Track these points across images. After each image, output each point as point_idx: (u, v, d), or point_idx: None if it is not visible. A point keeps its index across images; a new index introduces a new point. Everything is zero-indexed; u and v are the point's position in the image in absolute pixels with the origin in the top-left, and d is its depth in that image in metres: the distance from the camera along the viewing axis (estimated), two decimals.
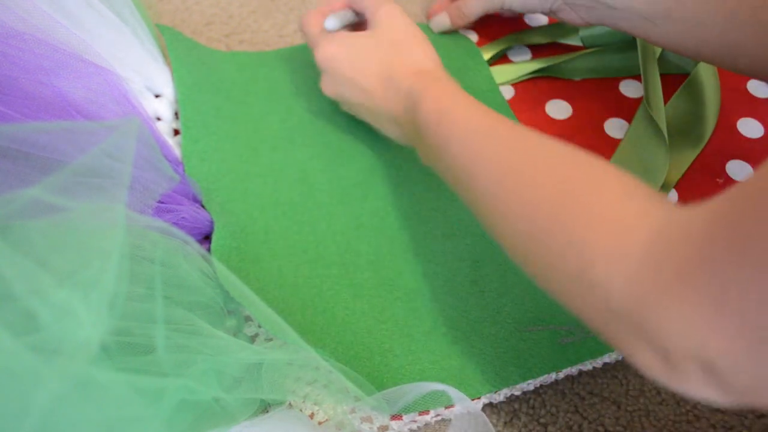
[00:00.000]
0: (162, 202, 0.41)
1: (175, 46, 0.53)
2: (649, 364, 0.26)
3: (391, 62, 0.44)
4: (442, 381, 0.38)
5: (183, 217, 0.42)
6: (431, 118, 0.39)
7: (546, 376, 0.40)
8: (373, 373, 0.40)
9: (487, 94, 0.54)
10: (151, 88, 0.52)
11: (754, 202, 0.23)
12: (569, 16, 0.51)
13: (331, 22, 0.50)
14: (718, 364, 0.24)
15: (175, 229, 0.34)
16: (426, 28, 0.59)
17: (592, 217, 0.28)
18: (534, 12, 0.56)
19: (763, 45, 0.41)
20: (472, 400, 0.38)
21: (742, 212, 0.23)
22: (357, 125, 0.51)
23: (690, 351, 0.24)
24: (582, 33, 0.57)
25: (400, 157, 0.50)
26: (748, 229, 0.23)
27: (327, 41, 0.47)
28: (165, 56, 0.54)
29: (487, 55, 0.57)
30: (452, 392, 0.36)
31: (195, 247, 0.36)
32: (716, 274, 0.23)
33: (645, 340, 0.26)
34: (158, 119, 0.52)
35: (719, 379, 0.24)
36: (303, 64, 0.56)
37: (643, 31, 0.47)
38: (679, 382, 0.26)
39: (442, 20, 0.58)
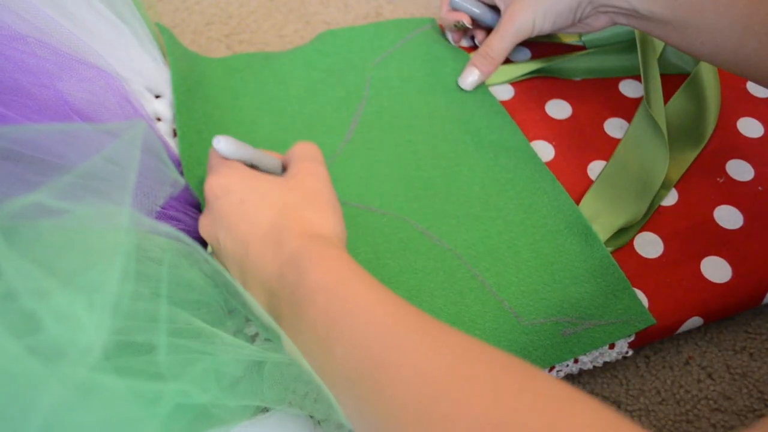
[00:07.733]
0: (165, 209, 0.41)
1: (173, 50, 0.53)
2: None
3: (288, 217, 0.35)
4: None
5: (186, 228, 0.42)
6: (319, 292, 0.31)
7: (547, 370, 0.40)
8: None
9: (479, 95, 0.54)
10: (151, 88, 0.53)
11: None
12: (600, 21, 0.50)
13: (225, 144, 0.38)
14: None
15: (178, 233, 0.34)
16: (422, 21, 0.59)
17: None
18: (564, 28, 0.53)
19: None
20: None
21: None
22: (349, 124, 0.51)
23: None
24: (584, 36, 0.57)
25: (394, 153, 0.50)
26: None
27: (226, 168, 0.38)
28: (165, 56, 0.54)
29: None
30: None
31: (198, 250, 0.36)
32: None
33: None
34: (158, 119, 0.52)
35: None
36: (291, 65, 0.56)
37: (664, 34, 0.47)
38: None
39: (472, 77, 0.54)
